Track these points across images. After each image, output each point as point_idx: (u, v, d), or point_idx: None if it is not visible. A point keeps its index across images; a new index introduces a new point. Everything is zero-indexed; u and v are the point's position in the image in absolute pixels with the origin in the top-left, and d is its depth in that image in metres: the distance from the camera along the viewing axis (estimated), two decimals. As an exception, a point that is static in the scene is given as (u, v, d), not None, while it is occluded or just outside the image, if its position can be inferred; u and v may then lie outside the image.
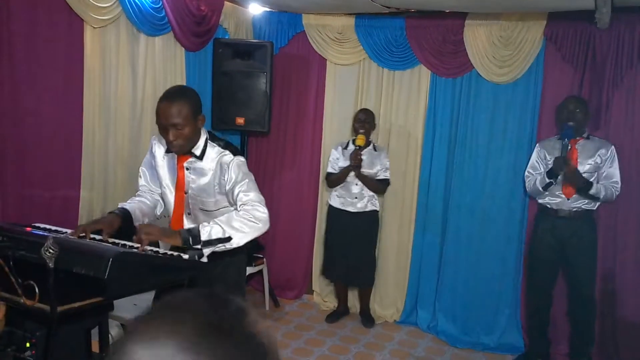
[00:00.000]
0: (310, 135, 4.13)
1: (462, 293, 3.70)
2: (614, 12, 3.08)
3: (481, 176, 3.62)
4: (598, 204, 3.16)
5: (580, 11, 3.11)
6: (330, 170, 3.77)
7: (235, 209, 2.05)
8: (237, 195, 2.05)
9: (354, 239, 3.73)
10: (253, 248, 3.88)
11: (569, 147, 3.10)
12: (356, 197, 3.70)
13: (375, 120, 3.77)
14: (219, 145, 2.11)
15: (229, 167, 2.06)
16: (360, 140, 3.60)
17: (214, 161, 2.08)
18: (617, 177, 3.10)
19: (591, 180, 3.07)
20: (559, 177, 3.10)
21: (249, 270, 3.73)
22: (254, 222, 2.01)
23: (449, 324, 3.73)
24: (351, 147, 3.70)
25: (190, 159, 2.10)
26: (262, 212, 2.05)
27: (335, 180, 3.73)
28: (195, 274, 1.98)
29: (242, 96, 3.80)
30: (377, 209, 3.79)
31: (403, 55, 3.80)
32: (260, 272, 3.93)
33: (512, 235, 3.57)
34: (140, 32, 3.21)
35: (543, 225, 3.27)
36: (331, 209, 3.82)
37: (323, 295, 4.16)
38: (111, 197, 3.05)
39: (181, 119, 1.94)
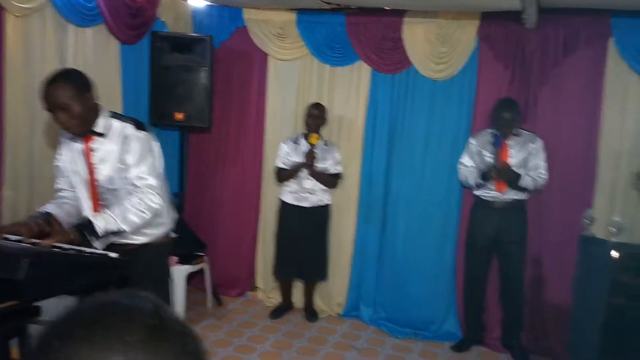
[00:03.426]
0: (253, 131, 4.10)
1: (402, 285, 3.78)
2: (541, 13, 3.24)
3: (419, 170, 3.72)
4: (528, 194, 3.33)
5: (510, 12, 3.25)
6: (280, 165, 3.75)
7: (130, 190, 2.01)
8: (134, 176, 2.00)
9: (308, 234, 3.74)
10: (194, 247, 3.81)
11: (501, 148, 3.26)
12: (309, 192, 3.71)
13: (326, 115, 3.77)
14: (123, 120, 2.06)
15: (129, 142, 2.01)
16: (315, 139, 3.62)
17: (120, 136, 2.03)
18: (543, 168, 3.28)
19: (521, 172, 3.23)
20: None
21: (190, 269, 3.66)
22: (144, 213, 1.97)
23: (390, 316, 3.81)
24: (303, 142, 3.70)
25: (94, 139, 2.03)
26: (155, 203, 2.00)
27: (286, 175, 3.72)
28: (125, 272, 1.92)
29: (181, 91, 3.71)
30: (330, 202, 3.82)
31: (344, 52, 3.84)
32: (202, 270, 3.86)
33: (449, 227, 3.69)
34: (68, 22, 3.06)
35: (479, 216, 3.41)
36: (284, 205, 3.79)
37: (267, 291, 4.14)
38: (38, 196, 2.89)
39: (66, 99, 1.88)
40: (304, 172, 3.67)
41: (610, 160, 3.30)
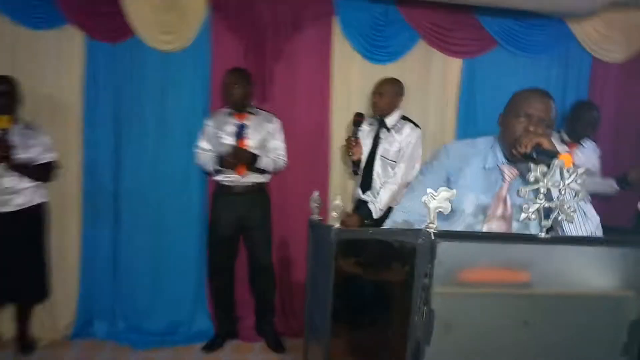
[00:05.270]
0: None
1: (144, 288, 3.29)
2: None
3: (152, 156, 3.25)
4: (270, 176, 3.20)
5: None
6: None
7: None
8: None
9: (17, 245, 2.88)
10: None
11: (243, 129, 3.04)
12: (12, 193, 2.84)
13: (19, 91, 2.93)
14: None
15: None
16: (5, 122, 2.76)
17: None
18: (282, 148, 3.18)
19: (259, 154, 3.06)
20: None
21: None
22: None
23: (132, 326, 3.28)
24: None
25: None
26: None
27: None
28: None
29: None
30: (45, 200, 3.01)
31: (44, 11, 3.05)
32: None
33: (192, 218, 3.33)
34: None
35: (220, 203, 3.14)
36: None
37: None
38: None
39: None
40: (1, 169, 2.81)
41: (341, 141, 3.39)
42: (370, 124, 3.21)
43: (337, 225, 1.58)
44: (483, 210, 1.64)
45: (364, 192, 3.14)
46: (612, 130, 3.58)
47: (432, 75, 3.48)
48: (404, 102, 3.21)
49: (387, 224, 1.72)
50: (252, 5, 3.26)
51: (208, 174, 3.22)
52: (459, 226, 1.67)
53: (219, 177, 3.11)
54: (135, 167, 3.24)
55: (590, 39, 3.45)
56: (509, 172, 1.61)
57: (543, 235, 1.11)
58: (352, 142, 3.09)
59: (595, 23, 3.41)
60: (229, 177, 3.08)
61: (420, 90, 3.46)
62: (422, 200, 1.10)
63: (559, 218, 1.12)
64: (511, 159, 1.60)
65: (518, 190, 1.14)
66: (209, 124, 3.14)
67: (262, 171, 3.11)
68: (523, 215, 1.12)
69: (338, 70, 3.40)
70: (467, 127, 3.49)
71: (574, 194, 1.14)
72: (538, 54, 3.45)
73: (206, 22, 3.25)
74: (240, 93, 3.04)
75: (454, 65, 3.47)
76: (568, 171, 1.13)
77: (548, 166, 1.25)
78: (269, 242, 3.25)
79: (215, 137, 3.08)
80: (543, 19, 3.36)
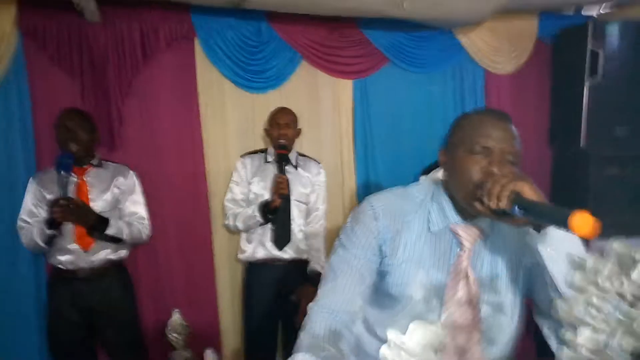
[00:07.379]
0: None
1: None
2: (103, 4, 2.39)
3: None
4: (127, 250, 2.39)
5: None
6: None
7: None
8: None
9: None
10: None
11: (73, 180, 2.20)
12: None
13: None
14: None
15: None
16: None
17: None
18: (142, 210, 2.40)
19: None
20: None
21: None
22: None
23: None
24: None
25: None
26: None
27: None
28: None
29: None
30: None
31: None
32: None
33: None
34: None
35: (60, 294, 2.25)
36: None
37: None
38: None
39: None
40: None
41: (220, 191, 2.74)
42: (266, 162, 2.58)
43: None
44: (437, 293, 1.09)
45: (280, 247, 2.48)
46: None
47: (322, 100, 2.98)
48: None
49: (302, 342, 1.06)
50: (82, 28, 2.49)
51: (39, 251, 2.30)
52: (404, 318, 1.10)
53: (54, 257, 2.22)
54: None
55: (479, 51, 3.21)
56: (467, 234, 1.09)
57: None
58: (281, 181, 2.40)
59: (482, 34, 3.18)
60: (67, 255, 2.20)
61: (310, 119, 2.93)
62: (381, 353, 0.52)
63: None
64: (468, 215, 1.08)
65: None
66: (35, 185, 2.26)
67: (115, 240, 2.28)
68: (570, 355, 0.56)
69: (207, 103, 2.75)
70: (366, 157, 3.03)
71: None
72: (431, 68, 3.12)
73: (18, 52, 2.41)
74: (82, 139, 2.23)
75: (344, 87, 3.01)
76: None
77: (537, 227, 0.91)
78: (137, 343, 2.42)
79: (42, 201, 2.21)
80: (432, 31, 3.04)
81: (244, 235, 2.56)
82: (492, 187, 0.93)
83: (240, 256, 2.57)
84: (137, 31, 2.58)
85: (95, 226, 2.19)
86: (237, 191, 2.56)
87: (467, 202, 1.02)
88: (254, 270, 2.53)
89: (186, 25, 2.65)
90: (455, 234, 1.09)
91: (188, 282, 2.74)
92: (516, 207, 0.89)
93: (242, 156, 2.61)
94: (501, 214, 0.94)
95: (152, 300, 2.65)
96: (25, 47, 2.43)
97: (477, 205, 0.98)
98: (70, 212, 2.08)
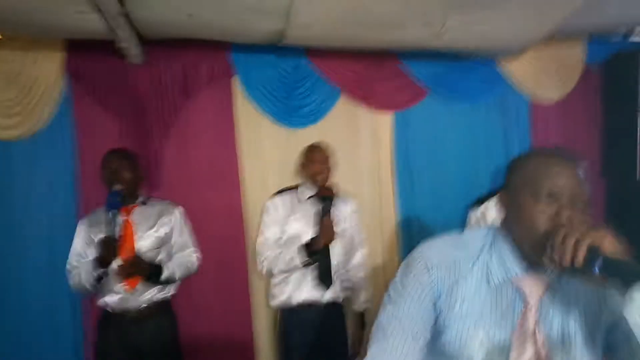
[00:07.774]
0: None
1: None
2: (146, 44, 2.44)
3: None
4: (175, 287, 2.36)
5: (103, 41, 2.31)
6: None
7: None
8: None
9: None
10: None
11: (120, 220, 2.20)
12: None
13: None
14: None
15: None
16: None
17: None
18: (191, 244, 2.39)
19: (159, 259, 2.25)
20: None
21: None
22: None
23: None
24: None
25: None
26: None
27: None
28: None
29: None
30: None
31: None
32: None
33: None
34: None
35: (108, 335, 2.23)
36: None
37: None
38: None
39: None
40: None
41: (257, 217, 2.68)
42: (306, 200, 2.46)
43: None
44: (500, 354, 0.98)
45: (327, 287, 2.36)
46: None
47: (361, 134, 2.92)
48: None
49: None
50: (124, 72, 2.55)
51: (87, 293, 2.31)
52: (464, 383, 0.99)
53: (102, 299, 2.21)
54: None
55: (524, 79, 3.10)
56: (532, 288, 0.99)
57: None
58: (328, 223, 2.31)
59: (527, 62, 3.08)
60: (114, 296, 2.19)
61: (348, 153, 2.87)
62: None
63: None
64: (533, 262, 0.98)
65: None
66: (84, 227, 2.27)
67: (169, 282, 2.27)
68: None
69: (246, 140, 2.74)
70: (406, 191, 2.93)
71: None
72: (474, 99, 3.03)
73: (64, 96, 2.48)
74: (126, 178, 2.24)
75: (384, 120, 2.95)
76: None
77: (620, 287, 0.78)
78: None
79: (92, 243, 2.21)
80: (474, 61, 2.96)
81: (275, 280, 2.44)
82: (565, 241, 0.84)
83: (273, 302, 2.44)
84: (178, 70, 2.62)
85: (151, 275, 2.20)
86: (270, 234, 2.43)
87: (534, 254, 0.93)
88: (292, 315, 2.41)
89: (226, 63, 2.67)
90: (517, 289, 0.99)
91: (225, 322, 2.68)
92: (595, 265, 0.79)
93: (271, 196, 2.52)
94: (575, 272, 0.83)
95: (189, 337, 2.59)
96: (73, 90, 2.50)
97: (546, 260, 0.88)
98: (126, 269, 2.12)
